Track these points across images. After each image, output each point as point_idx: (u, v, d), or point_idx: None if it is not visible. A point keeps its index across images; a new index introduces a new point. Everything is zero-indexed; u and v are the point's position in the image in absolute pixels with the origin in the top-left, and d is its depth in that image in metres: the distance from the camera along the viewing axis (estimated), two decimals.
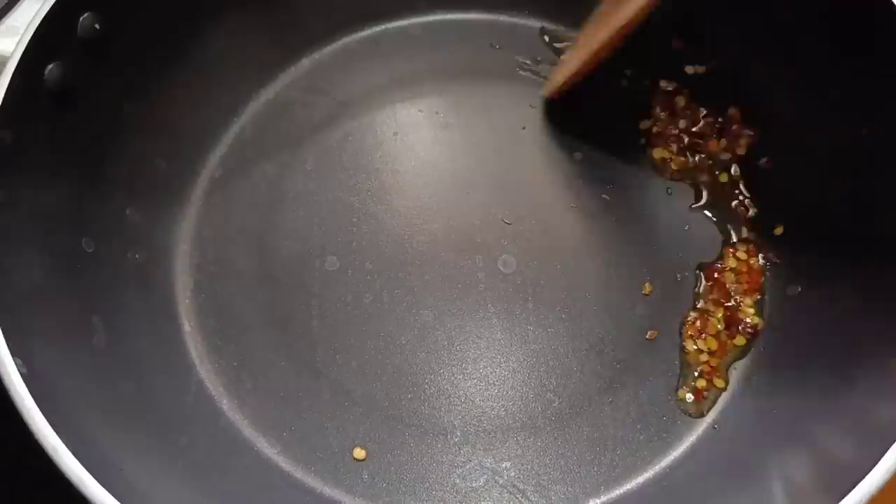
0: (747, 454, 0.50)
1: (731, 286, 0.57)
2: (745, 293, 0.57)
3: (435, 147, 0.64)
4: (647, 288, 0.58)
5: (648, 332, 0.56)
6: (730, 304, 0.56)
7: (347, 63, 0.68)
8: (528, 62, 0.67)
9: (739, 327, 0.55)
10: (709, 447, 0.52)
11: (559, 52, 0.67)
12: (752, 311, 0.56)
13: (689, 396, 0.54)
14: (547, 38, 0.68)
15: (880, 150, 0.50)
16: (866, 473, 0.37)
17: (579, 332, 0.56)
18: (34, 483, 0.51)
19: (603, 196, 0.61)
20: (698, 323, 0.56)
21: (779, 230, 0.58)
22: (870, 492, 0.37)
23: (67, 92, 0.51)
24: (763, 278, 0.57)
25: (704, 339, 0.55)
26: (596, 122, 0.64)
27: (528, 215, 0.61)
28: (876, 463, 0.37)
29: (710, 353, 0.55)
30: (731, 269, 0.57)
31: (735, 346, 0.55)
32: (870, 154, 0.51)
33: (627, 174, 0.62)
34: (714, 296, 0.57)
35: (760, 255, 0.58)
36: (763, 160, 0.60)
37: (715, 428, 0.53)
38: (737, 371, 0.55)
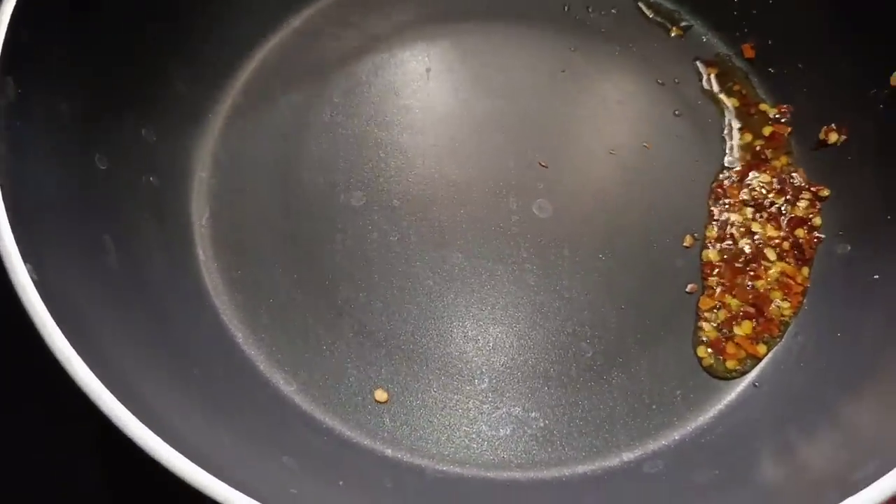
0: (790, 412, 0.47)
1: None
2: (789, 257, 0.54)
3: (470, 86, 0.60)
4: (688, 240, 0.55)
5: (689, 286, 0.53)
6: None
7: None
8: (569, 6, 0.64)
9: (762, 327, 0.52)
10: (750, 405, 0.50)
11: None
12: (787, 304, 0.53)
13: (711, 357, 0.51)
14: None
15: None
16: None
17: (616, 282, 0.54)
18: (39, 393, 0.48)
19: (643, 144, 0.58)
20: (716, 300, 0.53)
21: (825, 192, 0.55)
22: None
23: None
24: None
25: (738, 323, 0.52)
26: (638, 69, 0.61)
27: (566, 159, 0.58)
28: None
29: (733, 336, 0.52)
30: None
31: (756, 352, 0.52)
32: None
33: (670, 124, 0.59)
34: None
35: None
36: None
37: (756, 386, 0.51)
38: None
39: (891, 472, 0.35)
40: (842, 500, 0.34)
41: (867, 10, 0.53)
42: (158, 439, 0.34)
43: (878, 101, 0.53)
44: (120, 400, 0.35)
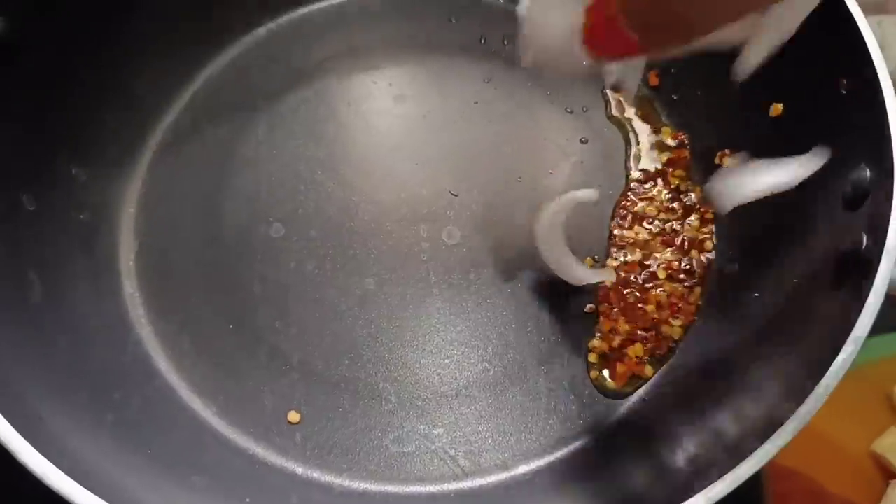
0: (672, 424, 0.50)
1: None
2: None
3: (387, 118, 0.64)
4: (589, 262, 0.58)
5: (587, 306, 0.57)
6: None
7: (304, 33, 0.68)
8: (485, 38, 0.67)
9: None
10: (639, 418, 0.53)
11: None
12: (678, 323, 0.56)
13: (602, 377, 0.55)
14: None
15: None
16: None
17: (519, 303, 0.57)
18: None
19: (550, 171, 0.62)
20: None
21: (710, 214, 0.59)
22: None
23: (11, 45, 0.51)
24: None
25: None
26: (549, 98, 0.64)
27: (476, 188, 0.61)
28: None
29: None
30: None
31: (643, 373, 0.55)
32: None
33: (576, 150, 0.62)
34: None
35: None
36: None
37: (645, 400, 0.54)
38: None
39: (736, 468, 0.39)
40: (695, 494, 0.38)
41: None
42: (50, 464, 0.37)
43: (763, 127, 0.57)
44: (16, 427, 0.38)
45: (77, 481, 0.37)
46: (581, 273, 0.52)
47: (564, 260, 0.52)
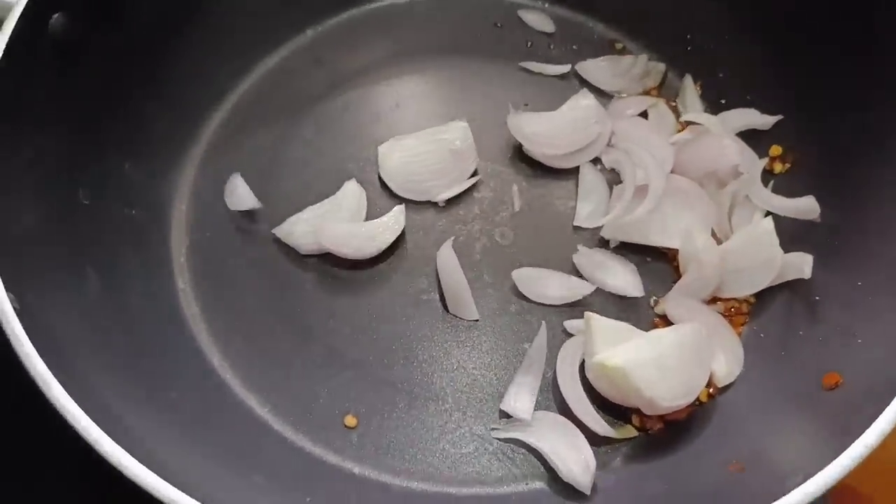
0: (735, 428, 0.50)
1: None
2: None
3: (435, 120, 0.63)
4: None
5: (651, 300, 0.56)
6: None
7: (351, 36, 0.68)
8: (531, 42, 0.68)
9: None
10: (699, 421, 0.52)
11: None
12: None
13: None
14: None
15: None
16: None
17: (574, 303, 0.56)
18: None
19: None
20: None
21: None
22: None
23: (72, 43, 0.51)
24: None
25: None
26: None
27: (528, 190, 0.61)
28: None
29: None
30: None
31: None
32: None
33: None
34: None
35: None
36: None
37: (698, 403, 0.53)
38: None
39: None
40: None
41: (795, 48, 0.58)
42: (130, 456, 0.37)
43: (821, 131, 0.57)
44: (94, 420, 0.38)
45: (154, 472, 0.37)
46: (600, 428, 0.51)
47: (586, 410, 0.52)
